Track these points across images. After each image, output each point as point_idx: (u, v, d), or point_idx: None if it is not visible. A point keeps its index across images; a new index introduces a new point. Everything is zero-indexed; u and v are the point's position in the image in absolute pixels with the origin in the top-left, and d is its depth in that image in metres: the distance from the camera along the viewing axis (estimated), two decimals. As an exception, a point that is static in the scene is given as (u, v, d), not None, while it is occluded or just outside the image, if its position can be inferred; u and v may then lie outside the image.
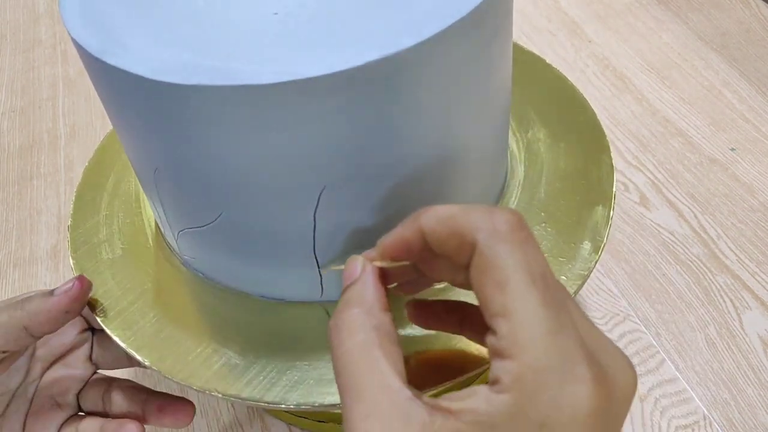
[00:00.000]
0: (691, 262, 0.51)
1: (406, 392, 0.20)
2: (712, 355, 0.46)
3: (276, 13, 0.26)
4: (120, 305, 0.35)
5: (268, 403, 0.30)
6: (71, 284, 0.32)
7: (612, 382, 0.20)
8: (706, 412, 0.43)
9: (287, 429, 0.45)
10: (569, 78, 0.43)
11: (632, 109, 0.64)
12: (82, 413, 0.36)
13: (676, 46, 0.70)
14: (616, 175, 0.58)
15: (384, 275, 0.24)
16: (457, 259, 0.21)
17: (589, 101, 0.41)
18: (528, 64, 0.44)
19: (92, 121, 0.71)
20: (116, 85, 0.26)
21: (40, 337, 0.33)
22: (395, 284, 0.26)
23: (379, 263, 0.23)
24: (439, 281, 0.25)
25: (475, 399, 0.19)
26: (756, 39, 0.70)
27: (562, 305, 0.20)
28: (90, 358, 0.37)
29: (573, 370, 0.19)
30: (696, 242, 0.52)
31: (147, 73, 0.24)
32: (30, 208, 0.63)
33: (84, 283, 0.33)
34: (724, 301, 0.49)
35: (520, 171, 0.38)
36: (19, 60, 0.82)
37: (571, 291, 0.32)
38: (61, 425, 0.35)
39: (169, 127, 0.26)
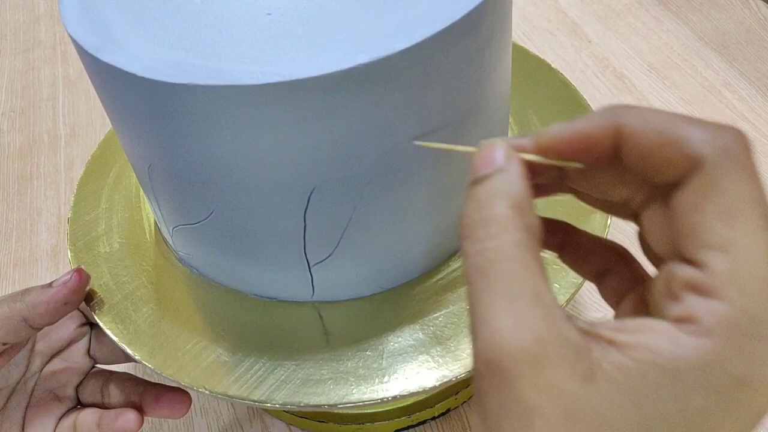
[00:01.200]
0: (691, 262, 0.51)
1: (561, 312, 0.17)
2: (712, 355, 0.46)
3: (269, 14, 0.26)
4: (115, 299, 0.35)
5: (254, 401, 0.30)
6: (70, 276, 0.32)
7: None
8: (706, 412, 0.43)
9: (287, 429, 0.45)
10: (569, 78, 0.43)
11: (632, 109, 0.64)
12: (81, 406, 0.37)
13: (676, 47, 0.70)
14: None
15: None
16: (659, 173, 0.18)
17: (589, 102, 0.41)
18: (534, 69, 0.44)
19: (92, 121, 0.72)
20: (111, 82, 0.27)
21: (39, 329, 0.33)
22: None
23: (531, 157, 0.19)
24: (578, 192, 0.22)
25: (654, 336, 0.16)
26: (756, 39, 0.70)
27: None
28: (88, 351, 0.38)
29: None
30: (696, 242, 0.52)
31: (139, 71, 0.24)
32: (30, 208, 0.63)
33: (82, 275, 0.33)
34: (724, 301, 0.49)
35: None
36: (19, 60, 0.82)
37: (564, 299, 0.31)
38: (60, 417, 0.35)
39: (161, 124, 0.26)
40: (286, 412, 0.45)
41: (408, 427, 0.44)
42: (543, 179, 0.21)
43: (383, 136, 0.26)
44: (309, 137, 0.25)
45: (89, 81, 0.29)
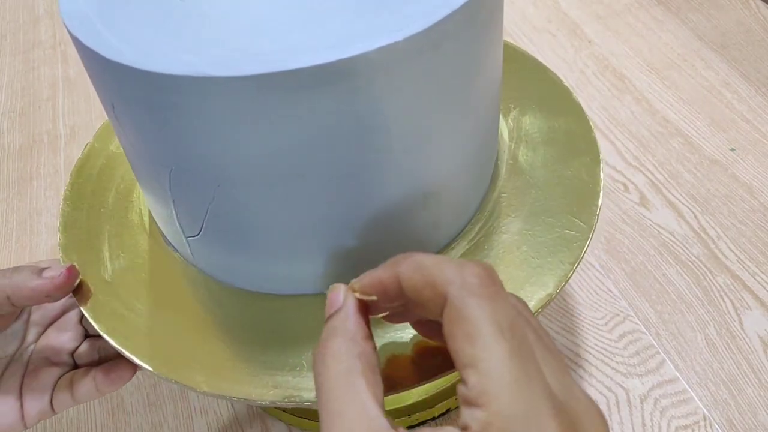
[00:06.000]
0: (691, 262, 0.51)
1: (383, 421, 0.21)
2: (712, 355, 0.46)
3: (253, 8, 0.27)
4: (102, 286, 0.35)
5: (221, 395, 0.30)
6: (59, 272, 0.33)
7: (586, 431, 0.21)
8: (706, 412, 0.43)
9: (287, 429, 0.45)
10: (569, 78, 0.43)
11: (632, 109, 0.64)
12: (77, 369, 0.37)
13: (675, 47, 0.70)
14: (616, 175, 0.58)
15: (370, 304, 0.25)
16: (430, 308, 0.22)
17: (589, 102, 0.41)
18: (553, 90, 0.42)
19: (92, 121, 0.72)
20: (94, 68, 0.27)
21: (21, 308, 0.34)
22: (386, 314, 0.26)
23: (359, 296, 0.24)
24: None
25: None
26: (756, 39, 0.70)
27: (530, 356, 0.21)
28: (81, 320, 0.39)
29: (539, 419, 0.19)
30: (696, 242, 0.52)
31: (114, 56, 0.25)
32: (30, 209, 0.63)
33: (72, 274, 0.33)
34: (724, 302, 0.49)
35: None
36: (18, 60, 0.82)
37: (537, 307, 0.31)
38: (56, 381, 0.36)
39: (138, 110, 0.27)
40: (286, 412, 0.45)
41: (408, 428, 0.44)
42: (395, 309, 0.25)
43: (356, 136, 0.26)
44: (276, 133, 0.25)
45: (89, 81, 0.29)
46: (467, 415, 0.20)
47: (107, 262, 0.36)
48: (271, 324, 0.32)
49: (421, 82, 0.26)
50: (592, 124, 0.39)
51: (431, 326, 0.27)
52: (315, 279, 0.32)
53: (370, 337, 0.24)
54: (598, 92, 0.66)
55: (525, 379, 0.20)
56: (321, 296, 0.33)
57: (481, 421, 0.20)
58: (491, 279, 0.22)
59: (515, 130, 0.40)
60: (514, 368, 0.20)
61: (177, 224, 0.32)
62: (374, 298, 0.24)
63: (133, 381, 0.49)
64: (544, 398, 0.20)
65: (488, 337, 0.20)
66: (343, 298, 0.24)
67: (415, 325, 0.28)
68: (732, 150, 0.59)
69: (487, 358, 0.20)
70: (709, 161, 0.58)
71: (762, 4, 0.74)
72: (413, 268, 0.23)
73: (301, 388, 0.30)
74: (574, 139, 0.38)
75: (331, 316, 0.24)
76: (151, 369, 0.31)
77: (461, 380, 0.21)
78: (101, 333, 0.33)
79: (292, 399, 0.29)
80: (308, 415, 0.44)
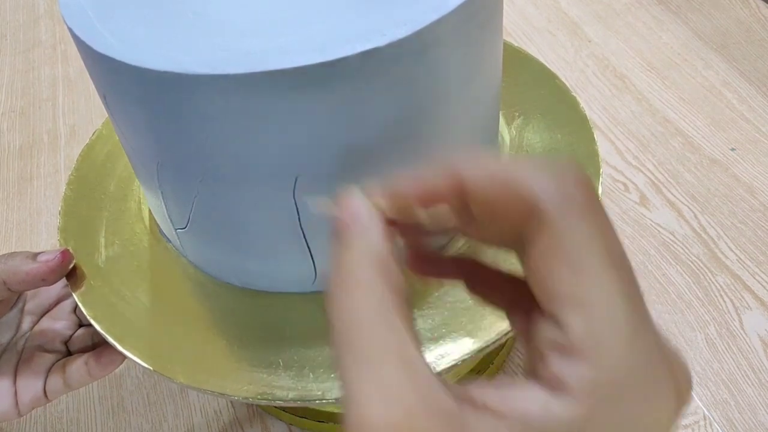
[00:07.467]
0: (691, 262, 0.51)
1: (430, 374, 0.16)
2: (712, 355, 0.46)
3: (248, 6, 0.27)
4: (94, 272, 0.35)
5: (196, 388, 0.30)
6: (54, 256, 0.33)
7: (683, 392, 0.17)
8: (706, 412, 0.43)
9: (287, 429, 0.45)
10: (569, 78, 0.43)
11: (632, 109, 0.64)
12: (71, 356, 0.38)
13: (676, 46, 0.70)
14: (616, 175, 0.58)
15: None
16: (506, 224, 0.17)
17: (589, 102, 0.41)
18: (559, 100, 0.42)
19: (92, 121, 0.72)
20: (84, 57, 0.28)
21: (17, 294, 0.34)
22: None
23: (388, 213, 0.18)
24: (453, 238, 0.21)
25: (527, 401, 0.15)
26: (756, 39, 0.70)
27: (640, 295, 0.16)
28: (75, 310, 0.39)
29: (657, 383, 0.16)
30: (696, 242, 0.52)
31: (105, 50, 0.25)
32: (30, 209, 0.63)
33: (66, 258, 0.34)
34: (724, 301, 0.49)
35: None
36: (19, 60, 0.82)
37: None
38: (50, 367, 0.37)
39: (128, 102, 0.27)
40: (286, 411, 0.45)
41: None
42: (413, 231, 0.20)
43: (327, 141, 0.26)
44: (265, 130, 0.25)
45: (89, 80, 0.29)
46: (563, 368, 0.15)
47: (102, 249, 0.36)
48: (254, 320, 0.32)
49: (407, 86, 0.26)
50: (595, 137, 0.39)
51: (428, 260, 0.21)
52: (299, 278, 0.32)
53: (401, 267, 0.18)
54: (598, 92, 0.66)
55: (641, 328, 0.16)
56: (305, 296, 0.33)
57: (586, 380, 0.15)
58: (593, 192, 0.16)
59: (517, 139, 0.39)
60: (631, 314, 0.15)
61: (166, 215, 0.33)
62: (384, 208, 0.18)
63: (133, 380, 0.49)
64: (659, 357, 0.16)
65: (600, 271, 0.16)
66: (366, 212, 0.18)
67: (409, 260, 0.21)
68: (732, 150, 0.59)
69: (598, 298, 0.15)
70: (709, 161, 0.58)
71: (762, 4, 0.74)
72: (486, 173, 0.17)
73: (274, 386, 0.30)
74: (575, 150, 0.38)
75: (350, 236, 0.18)
76: (132, 356, 0.31)
77: (551, 320, 0.16)
78: (89, 318, 0.33)
79: (265, 396, 0.29)
80: (308, 414, 0.44)
